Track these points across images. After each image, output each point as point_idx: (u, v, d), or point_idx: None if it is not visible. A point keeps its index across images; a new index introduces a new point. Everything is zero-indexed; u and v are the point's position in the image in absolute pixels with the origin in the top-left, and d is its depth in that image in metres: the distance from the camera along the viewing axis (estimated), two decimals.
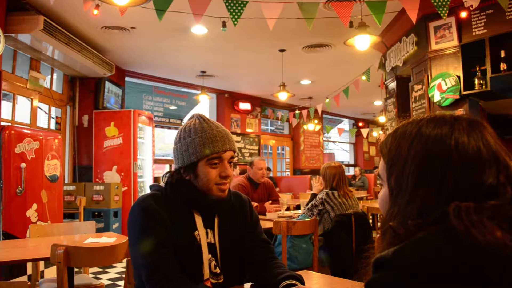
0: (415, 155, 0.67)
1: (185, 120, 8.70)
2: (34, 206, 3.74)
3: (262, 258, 1.39)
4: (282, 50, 6.07)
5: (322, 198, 3.28)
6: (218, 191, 1.32)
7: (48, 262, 2.68)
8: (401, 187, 0.68)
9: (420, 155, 0.66)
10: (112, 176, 5.97)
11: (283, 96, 6.45)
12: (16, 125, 4.51)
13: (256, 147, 9.80)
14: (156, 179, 6.91)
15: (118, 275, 4.30)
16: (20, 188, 3.58)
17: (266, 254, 1.40)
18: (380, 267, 0.60)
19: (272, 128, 11.20)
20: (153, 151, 6.76)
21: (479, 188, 0.62)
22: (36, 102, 5.08)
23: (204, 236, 1.31)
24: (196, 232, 1.31)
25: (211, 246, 1.32)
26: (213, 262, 1.31)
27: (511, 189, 0.62)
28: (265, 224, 3.05)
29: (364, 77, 6.22)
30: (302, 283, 1.24)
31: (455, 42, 4.13)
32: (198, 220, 1.33)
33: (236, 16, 3.19)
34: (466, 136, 0.65)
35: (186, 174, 1.32)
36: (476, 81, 3.97)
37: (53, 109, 5.72)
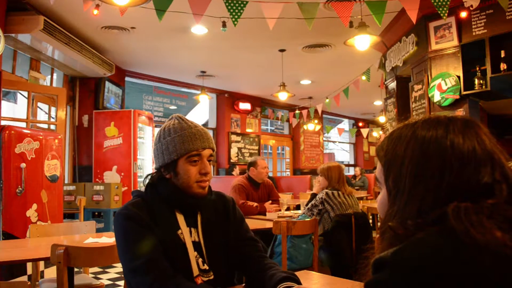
0: (412, 156, 0.68)
1: None
2: (34, 206, 3.73)
3: (251, 257, 1.40)
4: (282, 50, 6.07)
5: (322, 198, 3.28)
6: (198, 188, 1.34)
7: (48, 262, 2.68)
8: (399, 187, 0.68)
9: (417, 155, 0.67)
10: (112, 176, 5.97)
11: (283, 96, 6.46)
12: (36, 123, 4.51)
13: (256, 147, 9.80)
14: None
15: (118, 275, 4.30)
16: (20, 188, 3.58)
17: (254, 253, 1.41)
18: (379, 268, 0.60)
19: (272, 128, 11.21)
20: None
21: (475, 187, 0.63)
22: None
23: (187, 234, 1.33)
24: (180, 231, 1.32)
25: (196, 245, 1.33)
26: (200, 259, 1.33)
27: (506, 187, 0.63)
28: (265, 224, 3.05)
29: (364, 77, 6.22)
30: (299, 282, 1.23)
31: (455, 42, 4.13)
32: (181, 219, 1.34)
33: (236, 16, 3.19)
34: (461, 136, 0.67)
35: (167, 172, 1.35)
36: (476, 81, 3.97)
37: (53, 109, 5.72)
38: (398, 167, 0.69)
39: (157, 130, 8.47)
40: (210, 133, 1.40)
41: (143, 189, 1.40)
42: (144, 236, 1.24)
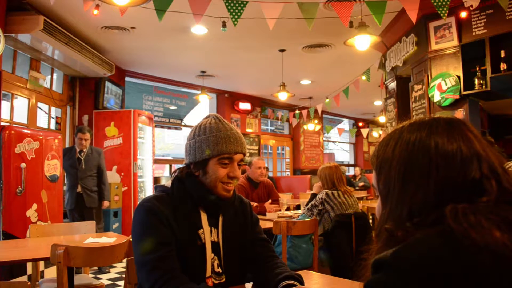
0: (399, 157, 0.70)
1: (185, 120, 8.74)
2: (34, 206, 3.73)
3: (262, 257, 1.41)
4: (282, 50, 6.07)
5: (322, 198, 3.28)
6: (223, 190, 1.35)
7: (48, 262, 2.68)
8: (389, 188, 0.71)
9: (403, 156, 0.70)
10: (112, 176, 5.97)
11: (283, 96, 6.46)
12: (14, 125, 4.51)
13: (256, 147, 9.80)
14: (156, 179, 6.90)
15: (118, 275, 4.31)
16: (20, 188, 3.58)
17: (266, 253, 1.43)
18: (379, 268, 0.61)
19: (272, 128, 11.20)
20: (153, 151, 6.76)
21: (463, 184, 0.64)
22: (38, 104, 5.07)
23: (208, 234, 1.34)
24: (201, 231, 1.33)
25: (214, 245, 1.34)
26: (216, 262, 1.33)
27: (495, 183, 0.64)
28: (265, 224, 3.05)
29: (364, 77, 6.22)
30: (302, 283, 1.24)
31: (455, 42, 4.13)
32: (204, 218, 1.35)
33: (236, 16, 3.19)
34: (445, 135, 0.69)
35: (196, 170, 1.36)
36: (476, 81, 3.97)
37: (53, 109, 5.72)
38: (387, 169, 0.72)
39: (157, 130, 8.45)
40: None
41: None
42: (160, 232, 1.24)
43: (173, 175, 1.41)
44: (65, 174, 4.61)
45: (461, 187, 0.64)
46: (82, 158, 4.61)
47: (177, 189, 1.35)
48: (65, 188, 4.61)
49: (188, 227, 1.30)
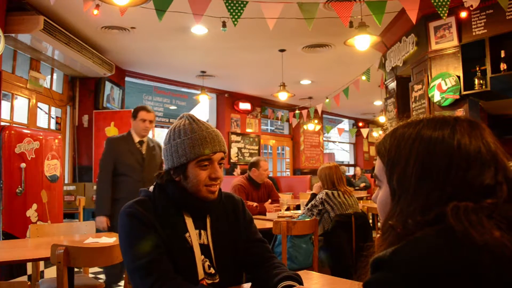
0: (418, 155, 0.67)
1: None
2: (34, 206, 3.73)
3: (259, 257, 1.39)
4: (282, 50, 6.07)
5: (321, 198, 3.28)
6: (208, 192, 1.30)
7: (48, 262, 2.68)
8: (404, 187, 0.68)
9: (423, 155, 0.67)
10: None
11: (283, 96, 6.46)
12: (14, 125, 4.52)
13: (256, 147, 9.80)
14: None
15: None
16: (20, 188, 3.58)
17: (263, 254, 1.40)
18: (378, 267, 0.60)
19: (272, 128, 11.21)
20: None
21: (478, 188, 0.63)
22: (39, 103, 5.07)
23: (195, 237, 1.30)
24: (187, 234, 1.29)
25: (204, 247, 1.31)
26: (207, 263, 1.30)
27: (507, 188, 0.63)
28: (265, 224, 3.05)
29: (364, 77, 6.22)
30: (300, 283, 1.23)
31: (455, 42, 4.13)
32: (189, 222, 1.31)
33: (236, 16, 3.19)
34: (467, 137, 0.66)
35: (176, 175, 1.31)
36: (476, 81, 3.97)
37: (53, 109, 5.72)
38: (402, 166, 0.68)
39: (157, 130, 8.41)
40: None
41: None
42: (147, 235, 1.22)
43: (154, 180, 1.36)
44: (120, 174, 3.24)
45: (474, 190, 0.63)
46: (144, 151, 3.34)
47: (158, 197, 1.31)
48: (113, 191, 3.23)
49: (173, 231, 1.27)
